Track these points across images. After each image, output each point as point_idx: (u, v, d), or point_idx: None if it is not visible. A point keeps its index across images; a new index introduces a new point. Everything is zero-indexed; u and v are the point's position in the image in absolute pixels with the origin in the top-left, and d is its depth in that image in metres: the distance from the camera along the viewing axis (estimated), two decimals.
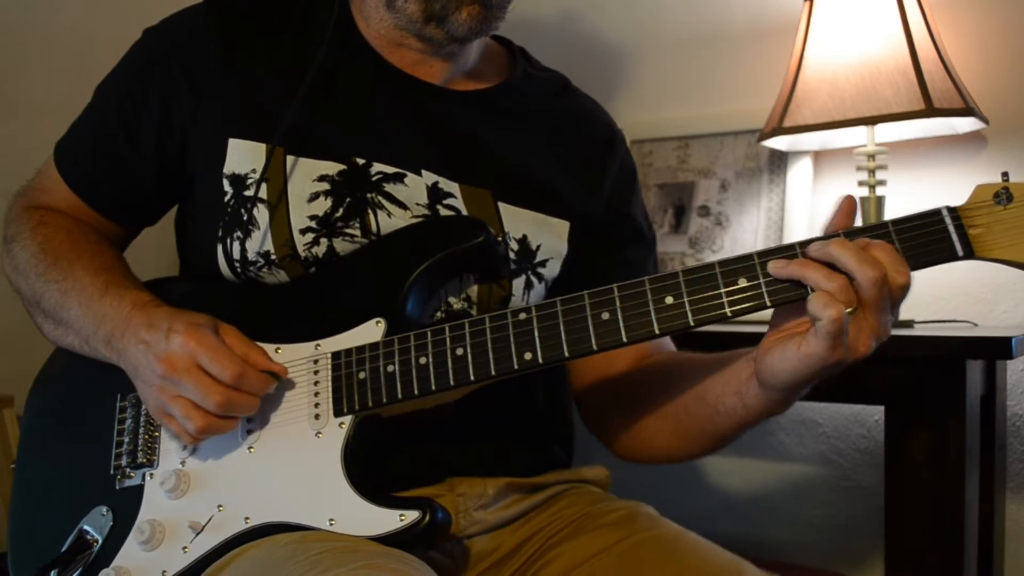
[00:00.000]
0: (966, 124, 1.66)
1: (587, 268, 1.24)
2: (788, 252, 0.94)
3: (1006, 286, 1.72)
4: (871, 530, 1.85)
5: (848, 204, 0.97)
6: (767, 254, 0.95)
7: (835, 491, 1.90)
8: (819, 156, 1.89)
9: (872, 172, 1.65)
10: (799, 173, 1.86)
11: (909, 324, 1.64)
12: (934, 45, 1.60)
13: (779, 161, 1.89)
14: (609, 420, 1.25)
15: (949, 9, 1.75)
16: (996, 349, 1.37)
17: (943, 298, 1.76)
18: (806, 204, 1.85)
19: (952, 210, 0.92)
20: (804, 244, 0.94)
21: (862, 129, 1.67)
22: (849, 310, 0.89)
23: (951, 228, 0.91)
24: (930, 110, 1.53)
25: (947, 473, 1.38)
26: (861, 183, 1.67)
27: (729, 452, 2.02)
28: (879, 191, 1.66)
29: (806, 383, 0.98)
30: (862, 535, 1.87)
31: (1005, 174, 0.93)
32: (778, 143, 1.80)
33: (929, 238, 0.92)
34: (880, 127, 1.66)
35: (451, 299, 1.15)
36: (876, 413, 1.84)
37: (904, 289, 0.91)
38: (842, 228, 0.95)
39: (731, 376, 1.06)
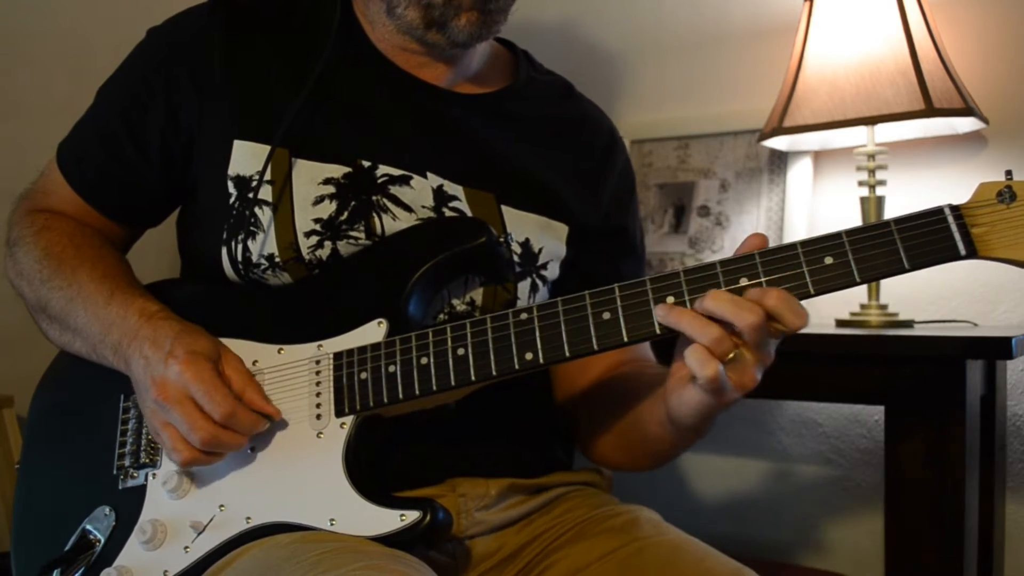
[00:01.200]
0: (966, 124, 1.66)
1: (585, 276, 1.25)
2: (789, 251, 0.94)
3: (1006, 286, 1.72)
4: (871, 530, 1.85)
5: (758, 242, 0.97)
6: (769, 254, 0.95)
7: (835, 491, 1.90)
8: (819, 156, 1.89)
9: (872, 172, 1.66)
10: (799, 173, 1.86)
11: (909, 324, 1.64)
12: (934, 45, 1.60)
13: (779, 161, 1.89)
14: (576, 429, 1.28)
15: (949, 9, 1.75)
16: (996, 349, 1.37)
17: (943, 298, 1.76)
18: (806, 204, 1.85)
19: (955, 208, 0.91)
20: (805, 244, 0.94)
21: (862, 129, 1.67)
22: (730, 357, 0.92)
23: (954, 227, 0.91)
24: (930, 110, 1.53)
25: (947, 473, 1.38)
26: (861, 183, 1.67)
27: (729, 452, 2.02)
28: (879, 191, 1.66)
29: (709, 419, 1.00)
30: (862, 535, 1.88)
31: (1008, 172, 0.92)
32: (778, 143, 1.80)
33: (931, 237, 0.91)
34: (880, 127, 1.66)
35: (454, 301, 1.15)
36: (876, 413, 1.84)
37: (798, 329, 0.92)
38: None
39: (658, 403, 1.07)
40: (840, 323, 1.68)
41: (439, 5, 1.13)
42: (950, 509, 1.38)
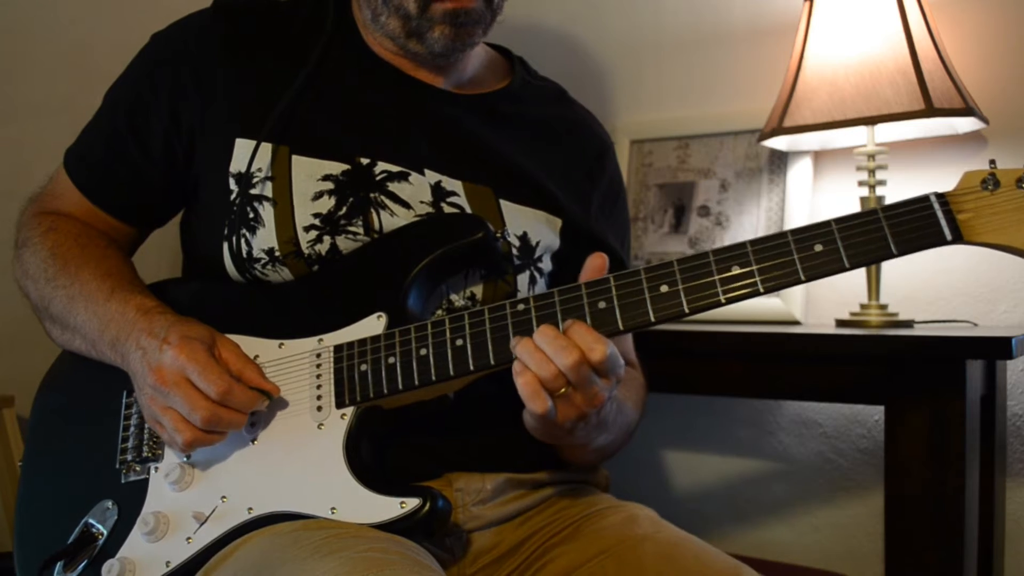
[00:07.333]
0: (966, 124, 1.67)
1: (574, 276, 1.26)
2: (779, 239, 0.96)
3: (1006, 286, 1.72)
4: (871, 530, 1.86)
5: (597, 263, 1.02)
6: (760, 242, 0.97)
7: (835, 491, 1.91)
8: (819, 156, 1.89)
9: (872, 172, 1.66)
10: (799, 173, 1.87)
11: (909, 324, 1.64)
12: (934, 45, 1.60)
13: (779, 161, 1.89)
14: None
15: (949, 9, 1.75)
16: (996, 349, 1.37)
17: (943, 298, 1.76)
18: (806, 204, 1.85)
19: (940, 196, 0.95)
20: (796, 232, 0.96)
21: (862, 129, 1.67)
22: (561, 392, 0.96)
23: (940, 213, 0.94)
24: (930, 110, 1.54)
25: (947, 473, 1.38)
26: (861, 183, 1.68)
27: (729, 452, 2.02)
28: (879, 191, 1.66)
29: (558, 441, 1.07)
30: (862, 535, 1.88)
31: (992, 161, 0.96)
32: (778, 143, 1.81)
33: (918, 223, 0.94)
34: (880, 127, 1.66)
35: (453, 296, 1.16)
36: (876, 413, 1.84)
37: (603, 362, 0.95)
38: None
39: None
40: (840, 323, 1.68)
41: (415, 16, 1.17)
42: (950, 509, 1.38)
